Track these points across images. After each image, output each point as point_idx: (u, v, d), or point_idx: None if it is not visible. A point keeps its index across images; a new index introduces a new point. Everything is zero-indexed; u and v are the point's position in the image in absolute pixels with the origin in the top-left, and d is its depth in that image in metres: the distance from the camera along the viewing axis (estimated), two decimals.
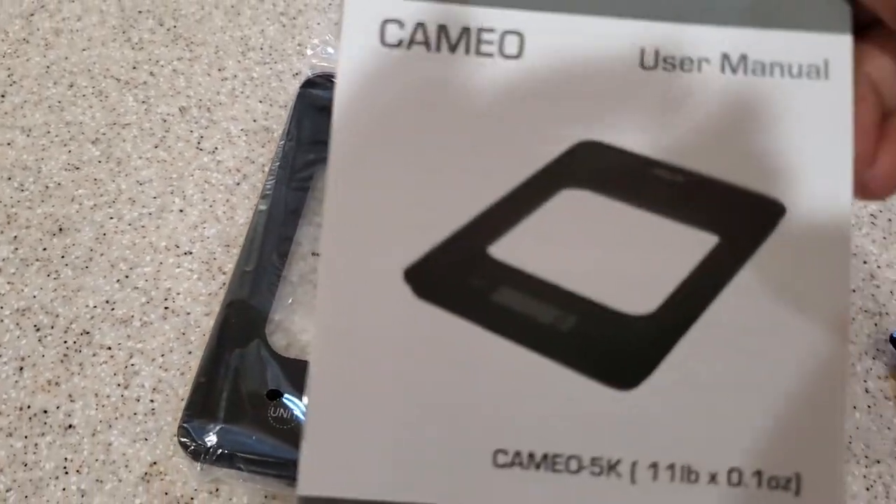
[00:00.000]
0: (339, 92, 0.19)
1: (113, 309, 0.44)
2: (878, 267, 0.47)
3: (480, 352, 0.18)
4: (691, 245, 0.18)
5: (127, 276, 0.45)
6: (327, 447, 0.18)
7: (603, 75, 0.18)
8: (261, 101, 0.51)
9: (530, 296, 0.18)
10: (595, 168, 0.18)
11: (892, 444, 0.42)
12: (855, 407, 0.43)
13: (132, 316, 0.44)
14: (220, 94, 0.51)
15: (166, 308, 0.44)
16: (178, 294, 0.44)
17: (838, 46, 0.18)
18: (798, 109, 0.18)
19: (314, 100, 0.49)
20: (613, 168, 0.18)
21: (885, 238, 0.48)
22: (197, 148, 0.49)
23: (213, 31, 0.54)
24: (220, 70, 0.53)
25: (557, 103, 0.18)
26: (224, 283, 0.44)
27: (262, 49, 0.54)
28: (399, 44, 0.18)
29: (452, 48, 0.18)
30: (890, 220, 0.49)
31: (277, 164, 0.47)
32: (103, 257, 0.45)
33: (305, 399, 0.19)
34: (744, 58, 0.19)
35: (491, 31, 0.18)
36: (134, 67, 0.52)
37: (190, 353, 0.43)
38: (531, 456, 0.17)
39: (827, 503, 0.18)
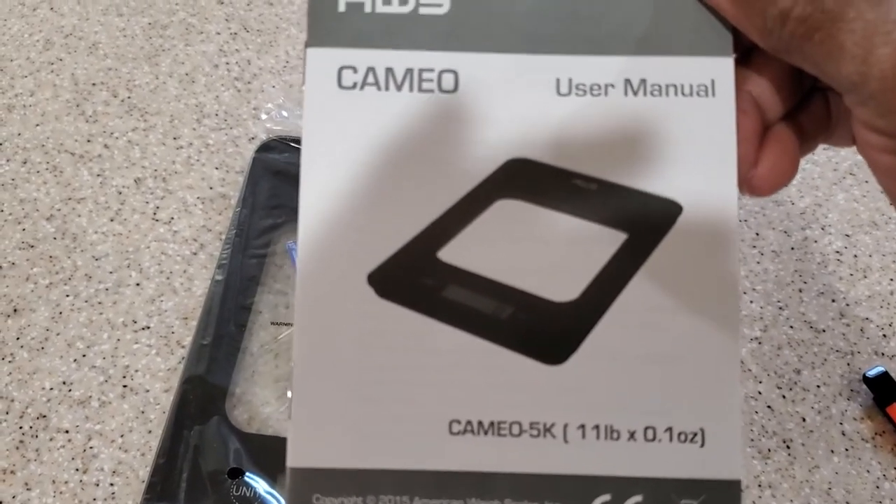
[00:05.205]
0: (305, 131, 0.21)
1: (70, 390, 0.43)
2: (847, 305, 0.47)
3: (435, 340, 0.21)
4: (605, 242, 0.22)
5: (84, 355, 0.44)
6: (310, 426, 0.21)
7: (525, 102, 0.22)
8: (217, 168, 0.51)
9: (474, 291, 0.21)
10: (523, 181, 0.22)
11: (872, 489, 0.41)
12: (833, 451, 0.42)
13: (90, 396, 0.43)
14: (175, 163, 0.51)
15: (125, 386, 0.43)
16: (137, 371, 0.43)
17: (722, 68, 0.22)
18: (691, 123, 0.22)
19: (269, 164, 0.49)
20: (538, 180, 0.22)
21: (851, 275, 0.48)
22: (153, 219, 0.49)
23: (168, 100, 0.54)
24: (175, 139, 0.52)
25: (489, 127, 0.22)
26: (183, 357, 0.43)
27: (217, 115, 0.53)
28: (354, 86, 0.22)
29: (399, 87, 0.22)
30: (856, 255, 0.49)
31: (233, 231, 0.46)
32: (59, 337, 0.44)
33: (289, 392, 0.21)
34: (643, 82, 0.22)
35: (430, 70, 0.22)
36: (88, 140, 0.52)
37: (150, 432, 0.42)
38: (480, 424, 0.21)
39: (726, 452, 0.21)
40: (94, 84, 0.55)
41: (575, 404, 0.21)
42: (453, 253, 0.21)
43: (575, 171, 0.22)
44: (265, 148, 0.50)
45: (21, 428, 0.41)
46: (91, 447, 0.41)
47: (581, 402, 0.21)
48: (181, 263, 0.47)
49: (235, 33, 0.58)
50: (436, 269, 0.21)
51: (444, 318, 0.21)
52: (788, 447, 0.42)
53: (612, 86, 0.22)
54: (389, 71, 0.22)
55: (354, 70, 0.22)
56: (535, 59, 0.22)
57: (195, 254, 0.47)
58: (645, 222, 0.22)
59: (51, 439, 0.41)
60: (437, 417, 0.21)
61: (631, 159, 0.22)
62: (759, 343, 0.45)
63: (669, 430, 0.21)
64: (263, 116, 0.51)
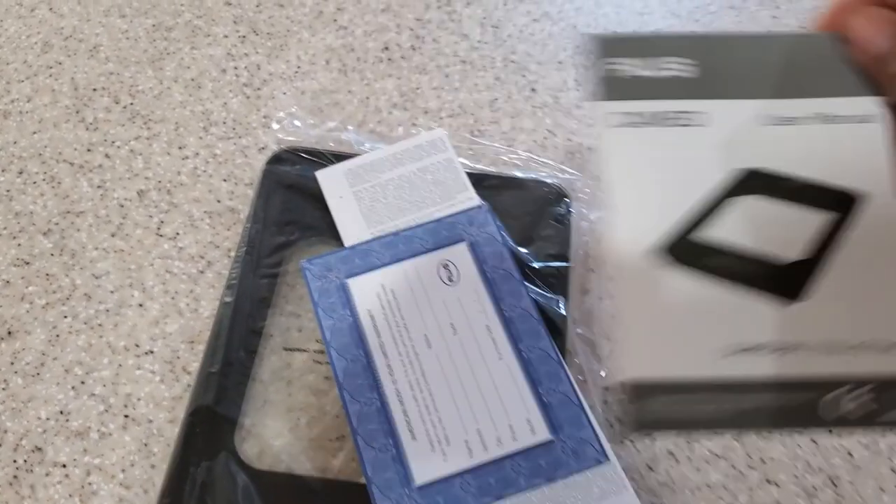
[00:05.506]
0: (606, 159, 0.31)
1: (67, 420, 0.40)
2: None
3: (707, 292, 0.29)
4: (820, 218, 0.31)
5: (83, 382, 0.41)
6: (628, 350, 0.29)
7: (752, 129, 0.32)
8: (225, 180, 0.48)
9: (732, 254, 0.30)
10: (757, 183, 0.31)
11: None
12: (882, 489, 0.39)
13: (89, 427, 0.40)
14: (181, 174, 0.48)
15: (126, 416, 0.40)
16: (139, 400, 0.41)
17: (876, 103, 0.32)
18: (860, 141, 0.32)
19: (281, 176, 0.46)
20: (768, 182, 0.31)
21: None
22: (157, 234, 0.46)
23: (173, 107, 0.51)
24: (180, 148, 0.49)
25: (732, 149, 0.32)
26: (189, 385, 0.41)
27: (225, 123, 0.50)
28: (635, 124, 0.32)
29: (667, 123, 0.32)
30: None
31: (243, 249, 0.43)
32: (56, 361, 0.42)
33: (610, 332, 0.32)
34: (826, 115, 0.32)
35: (689, 112, 0.32)
36: (88, 149, 0.49)
37: (153, 466, 0.39)
38: (743, 348, 0.29)
39: None
40: (94, 89, 0.52)
41: (813, 329, 0.29)
42: (715, 230, 0.30)
43: (790, 176, 0.31)
44: (276, 159, 0.47)
45: (15, 462, 0.39)
46: (90, 483, 0.38)
47: (818, 326, 0.29)
48: (187, 283, 0.44)
49: (244, 36, 0.55)
50: (701, 243, 0.30)
51: (714, 275, 0.29)
52: (835, 485, 0.39)
53: (806, 118, 0.32)
54: (661, 113, 0.32)
55: (637, 114, 0.32)
56: (757, 102, 0.32)
57: (202, 272, 0.45)
58: (842, 205, 0.31)
59: (47, 474, 0.38)
60: (713, 346, 0.29)
61: (825, 166, 0.31)
62: None
63: (887, 340, 0.28)
64: (274, 125, 0.49)
